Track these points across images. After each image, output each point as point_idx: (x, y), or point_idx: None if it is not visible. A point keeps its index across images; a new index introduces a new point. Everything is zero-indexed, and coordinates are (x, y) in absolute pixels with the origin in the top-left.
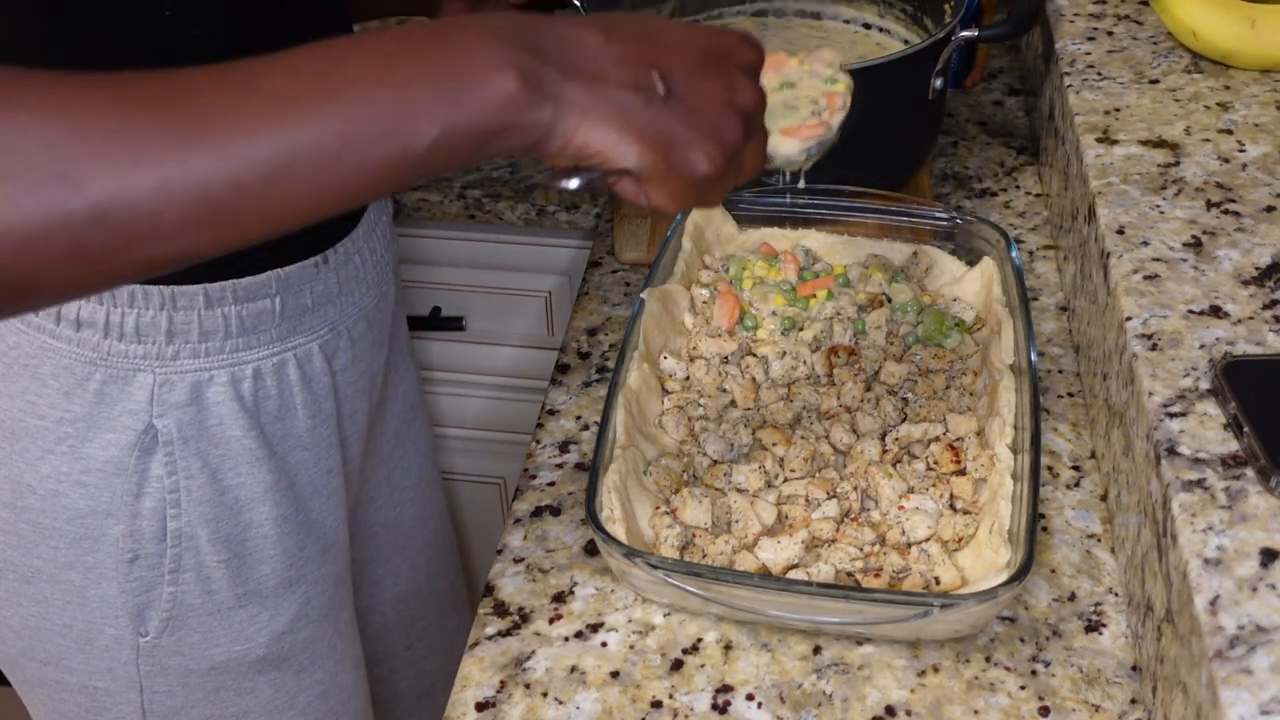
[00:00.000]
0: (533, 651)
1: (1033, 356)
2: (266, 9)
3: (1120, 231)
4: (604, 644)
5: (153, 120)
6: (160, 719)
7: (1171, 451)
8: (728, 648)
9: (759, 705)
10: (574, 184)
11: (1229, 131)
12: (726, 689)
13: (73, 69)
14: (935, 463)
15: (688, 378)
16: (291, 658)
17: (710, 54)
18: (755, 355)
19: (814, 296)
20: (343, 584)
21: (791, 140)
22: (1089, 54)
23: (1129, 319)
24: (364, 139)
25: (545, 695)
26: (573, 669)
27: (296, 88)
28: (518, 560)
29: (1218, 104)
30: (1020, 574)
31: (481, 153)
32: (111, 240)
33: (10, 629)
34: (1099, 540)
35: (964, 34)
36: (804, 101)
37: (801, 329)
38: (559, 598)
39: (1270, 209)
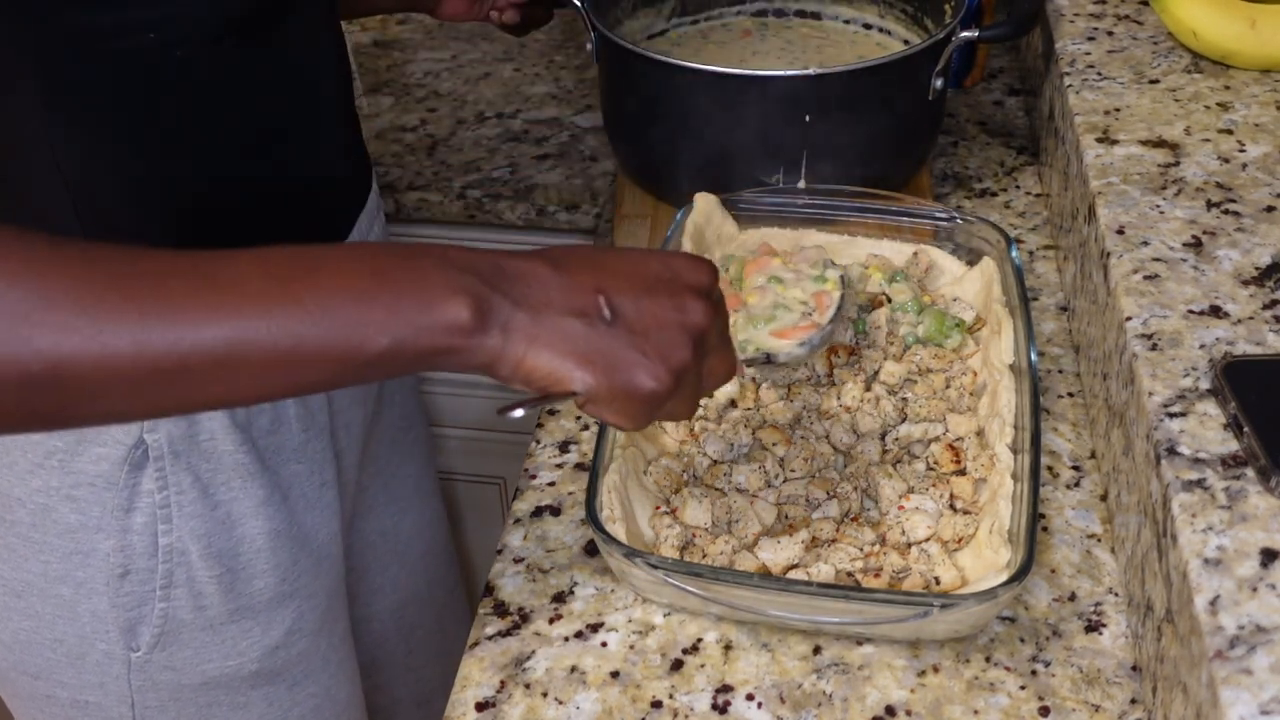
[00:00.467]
0: (533, 651)
1: (1033, 356)
2: (251, 36)
3: (1120, 231)
4: (604, 644)
5: (116, 297)
6: None
7: (1171, 451)
8: (728, 648)
9: (759, 705)
10: (517, 414)
11: (1229, 131)
12: (726, 689)
13: (60, 96)
14: (935, 463)
15: None
16: (285, 672)
17: (657, 278)
18: None
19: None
20: (337, 597)
21: (786, 340)
22: (1089, 54)
23: (1129, 319)
24: (314, 342)
25: (545, 695)
26: (573, 669)
27: (260, 286)
28: (518, 560)
29: (1218, 104)
30: (1020, 574)
31: (427, 368)
32: (59, 399)
33: (1, 642)
34: (1099, 540)
35: (964, 34)
36: (794, 302)
37: None
38: (559, 598)
39: (1270, 209)
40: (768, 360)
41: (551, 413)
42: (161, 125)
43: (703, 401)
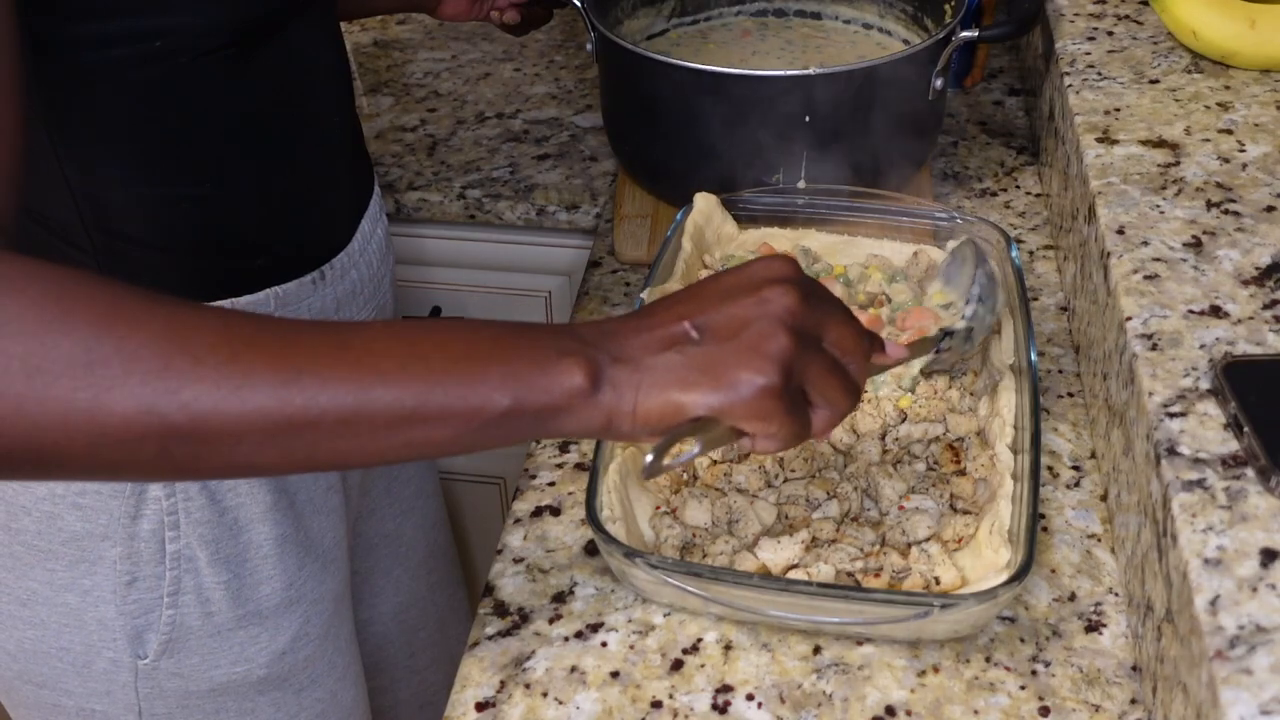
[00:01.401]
0: (533, 651)
1: (1033, 356)
2: (254, 43)
3: (1120, 231)
4: (604, 644)
5: (255, 354)
6: None
7: (1171, 451)
8: (728, 648)
9: (759, 705)
10: (666, 463)
11: (1229, 131)
12: (726, 689)
13: (66, 108)
14: (935, 463)
15: None
16: (291, 677)
17: (734, 285)
18: None
19: None
20: (342, 601)
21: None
22: (1089, 54)
23: (1129, 319)
24: (438, 402)
25: (545, 695)
26: (573, 669)
27: (388, 346)
28: (518, 560)
29: (1218, 104)
30: (1020, 574)
31: (547, 432)
32: (196, 450)
33: (5, 652)
34: (1099, 540)
35: (964, 34)
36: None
37: None
38: (559, 598)
39: (1270, 209)
40: (943, 338)
41: None
42: (170, 133)
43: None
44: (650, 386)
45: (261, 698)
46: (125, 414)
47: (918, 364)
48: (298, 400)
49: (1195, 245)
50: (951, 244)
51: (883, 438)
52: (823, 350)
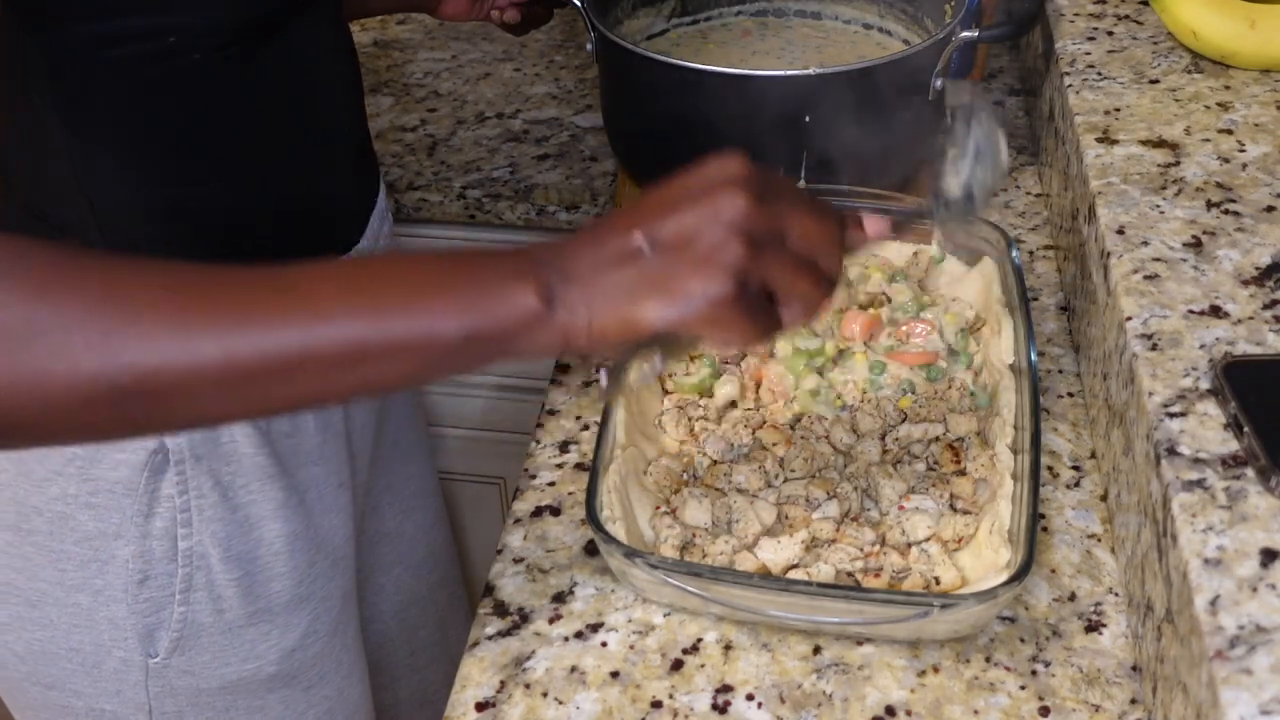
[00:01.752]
0: (533, 651)
1: (1033, 356)
2: (263, 39)
3: (1120, 231)
4: (604, 644)
5: (199, 306)
6: None
7: (1171, 451)
8: (728, 648)
9: (759, 705)
10: (644, 375)
11: (1229, 131)
12: (726, 689)
13: (77, 108)
14: (935, 463)
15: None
16: (300, 674)
17: (685, 190)
18: (754, 354)
19: None
20: (350, 599)
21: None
22: (1089, 54)
23: (1129, 319)
24: (389, 336)
25: (545, 695)
26: (573, 669)
27: (335, 287)
28: (518, 560)
29: (1218, 104)
30: (1020, 574)
31: (503, 355)
32: (149, 407)
33: (14, 654)
34: (1099, 540)
35: (964, 34)
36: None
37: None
38: (559, 598)
39: (1270, 209)
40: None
41: (551, 413)
42: (176, 133)
43: (703, 401)
44: (604, 303)
45: (271, 695)
46: (71, 381)
47: (878, 453)
48: (244, 348)
49: (1195, 245)
50: (951, 102)
51: (883, 438)
52: (783, 247)
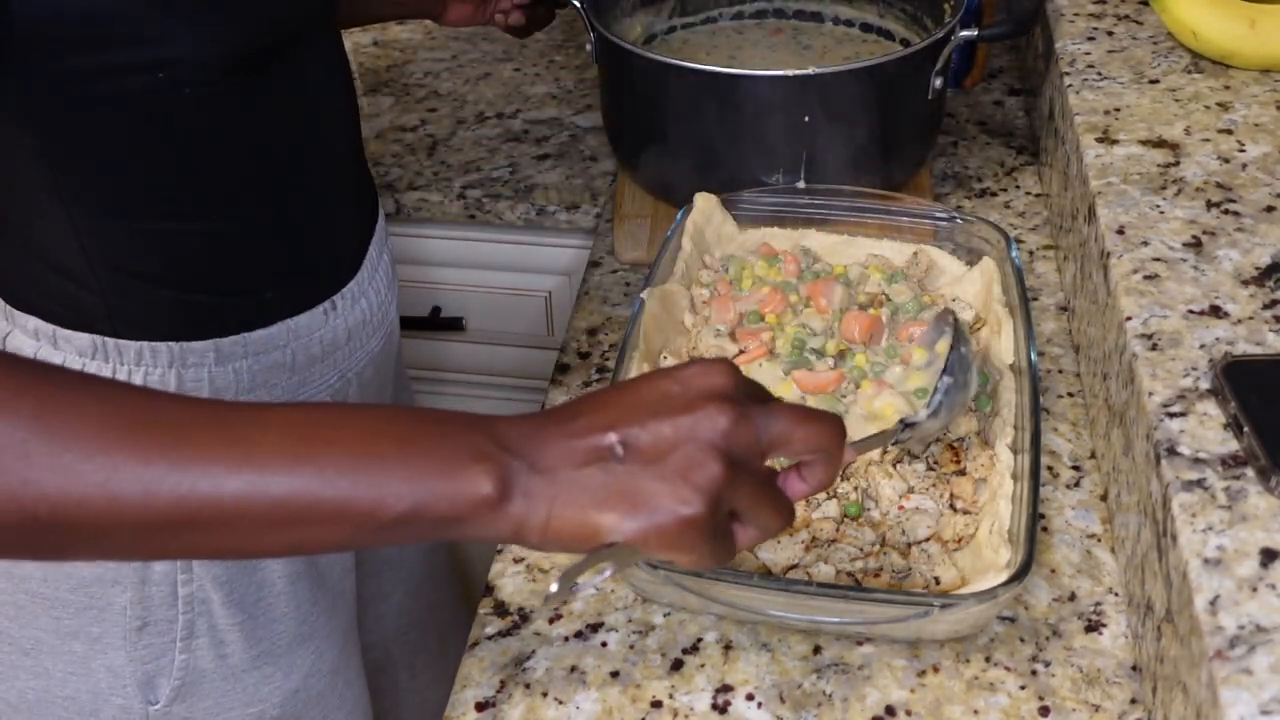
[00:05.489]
0: (533, 651)
1: (1033, 356)
2: (257, 72)
3: (1120, 231)
4: (604, 644)
5: (128, 443)
6: None
7: (1171, 451)
8: (728, 648)
9: (759, 705)
10: (580, 583)
11: (1229, 131)
12: (726, 689)
13: (68, 150)
14: (935, 463)
15: None
16: (304, 715)
17: (665, 396)
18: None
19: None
20: (351, 633)
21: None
22: (1089, 54)
23: (1129, 319)
24: (330, 502)
25: (545, 695)
26: (573, 669)
27: (278, 440)
28: (518, 560)
29: (1218, 104)
30: (1020, 574)
31: (448, 536)
32: (60, 540)
33: (7, 703)
34: (1099, 540)
35: (964, 34)
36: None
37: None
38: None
39: (1270, 209)
40: (904, 428)
41: None
42: (169, 167)
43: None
44: (566, 503)
45: None
46: None
47: (878, 453)
48: (168, 497)
49: (1195, 245)
50: (931, 312)
51: None
52: (755, 472)
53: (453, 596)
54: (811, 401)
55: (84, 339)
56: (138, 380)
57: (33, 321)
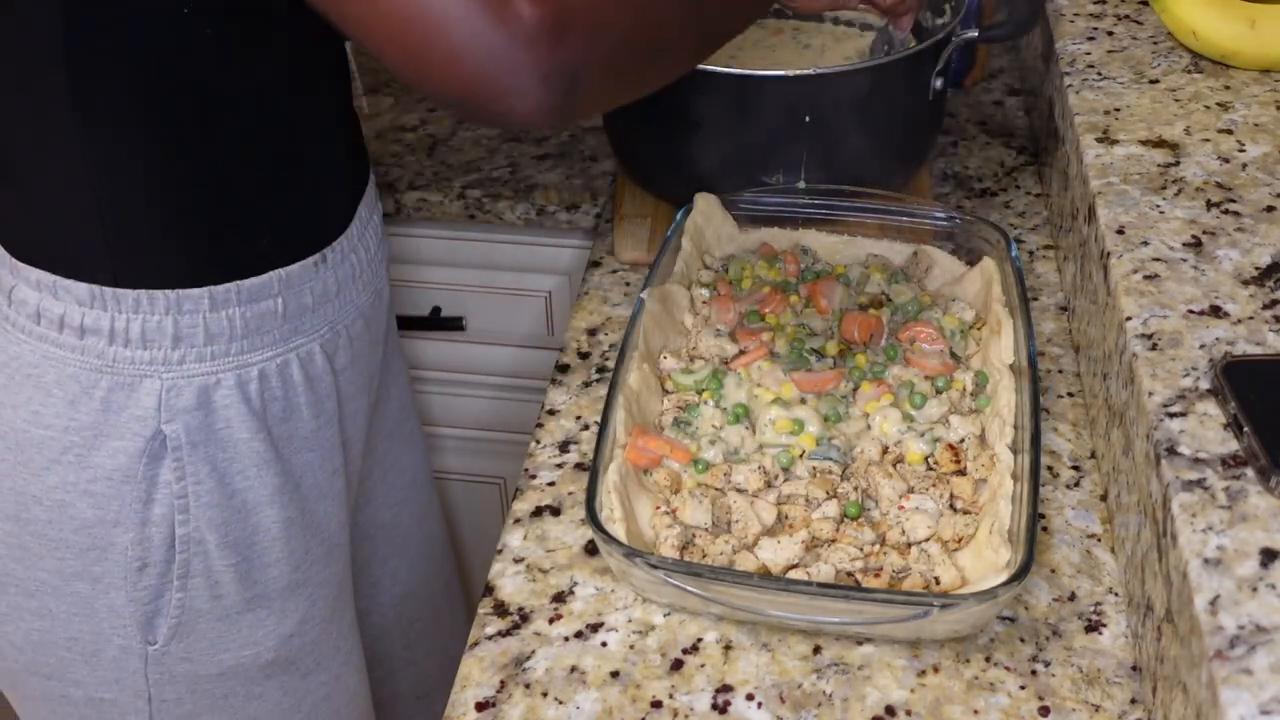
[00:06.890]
0: (533, 651)
1: (1033, 356)
2: (259, 26)
3: (1120, 231)
4: (604, 644)
5: None
6: None
7: (1171, 451)
8: (728, 648)
9: (759, 705)
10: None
11: (1229, 131)
12: (726, 689)
13: (91, 78)
14: (935, 463)
15: None
16: (298, 660)
17: None
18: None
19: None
20: (345, 585)
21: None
22: (1089, 54)
23: (1129, 319)
24: None
25: (545, 695)
26: (573, 669)
27: None
28: (518, 560)
29: (1218, 104)
30: (1020, 574)
31: None
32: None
33: (12, 644)
34: (1099, 540)
35: (964, 34)
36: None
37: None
38: (559, 598)
39: (1270, 209)
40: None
41: (551, 413)
42: (178, 112)
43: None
44: None
45: (269, 681)
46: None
47: (878, 453)
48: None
49: (1195, 245)
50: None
51: None
52: None
53: (447, 568)
54: (811, 401)
55: (82, 288)
56: (135, 329)
57: (35, 273)
